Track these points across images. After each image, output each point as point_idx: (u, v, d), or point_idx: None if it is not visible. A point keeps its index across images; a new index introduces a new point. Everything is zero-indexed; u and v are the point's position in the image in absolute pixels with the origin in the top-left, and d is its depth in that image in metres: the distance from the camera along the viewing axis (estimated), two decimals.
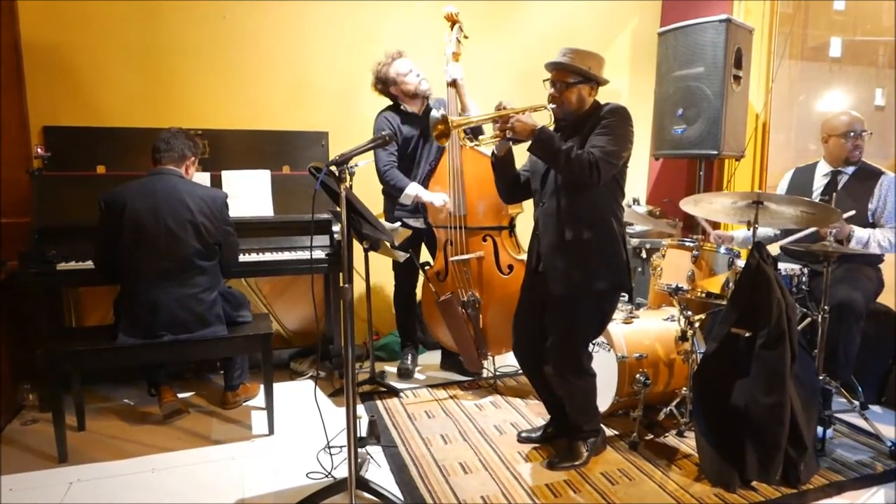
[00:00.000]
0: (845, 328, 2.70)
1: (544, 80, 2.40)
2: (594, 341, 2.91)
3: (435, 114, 2.31)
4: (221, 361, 3.34)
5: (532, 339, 2.54)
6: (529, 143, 2.25)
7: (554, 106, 2.38)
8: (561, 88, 2.35)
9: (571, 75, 2.34)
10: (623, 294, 2.68)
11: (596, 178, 2.21)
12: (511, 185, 2.55)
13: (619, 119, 2.30)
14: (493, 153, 2.47)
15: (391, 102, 3.34)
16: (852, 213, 2.78)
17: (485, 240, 3.22)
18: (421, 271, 3.36)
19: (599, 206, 2.35)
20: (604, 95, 2.46)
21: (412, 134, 3.31)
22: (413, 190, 3.20)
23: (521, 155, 2.53)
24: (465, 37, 3.21)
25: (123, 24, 3.34)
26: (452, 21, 3.17)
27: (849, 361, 2.77)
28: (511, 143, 2.38)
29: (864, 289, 2.84)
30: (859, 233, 2.79)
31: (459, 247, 3.24)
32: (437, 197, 3.20)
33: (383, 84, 3.24)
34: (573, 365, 2.44)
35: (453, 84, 3.15)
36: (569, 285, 2.36)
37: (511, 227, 3.27)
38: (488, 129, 3.26)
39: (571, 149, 2.22)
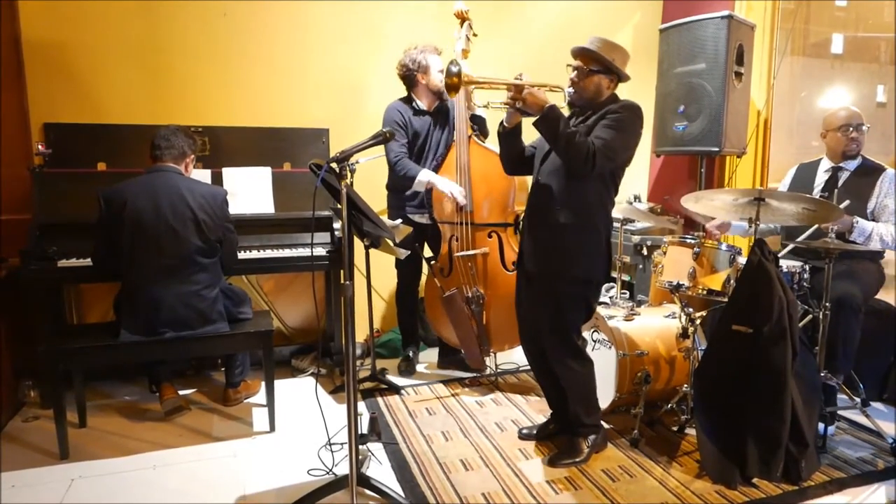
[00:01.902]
0: (844, 323, 2.70)
1: (568, 65, 2.41)
2: (595, 338, 2.92)
3: (452, 67, 2.29)
4: (223, 358, 3.35)
5: (533, 324, 2.55)
6: (536, 117, 2.25)
7: (571, 90, 2.38)
8: (581, 74, 2.36)
9: (594, 63, 2.35)
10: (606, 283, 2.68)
11: (590, 168, 2.22)
12: (515, 158, 2.56)
13: (629, 115, 2.31)
14: (501, 123, 2.47)
15: (399, 96, 3.34)
16: (846, 203, 2.76)
17: (490, 236, 3.22)
18: (427, 265, 3.36)
19: (590, 197, 2.37)
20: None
21: (422, 129, 3.31)
22: (425, 176, 3.18)
23: (529, 132, 2.52)
24: (475, 34, 3.20)
25: (124, 21, 3.33)
26: (462, 18, 3.16)
27: (849, 356, 2.77)
28: (519, 114, 2.38)
29: (863, 283, 2.83)
30: (863, 224, 2.77)
31: (465, 243, 3.24)
32: (450, 185, 3.17)
33: (412, 68, 3.21)
34: (568, 348, 2.45)
35: None
36: (542, 265, 2.40)
37: (516, 224, 3.27)
38: (492, 132, 3.26)
39: (575, 133, 2.22)
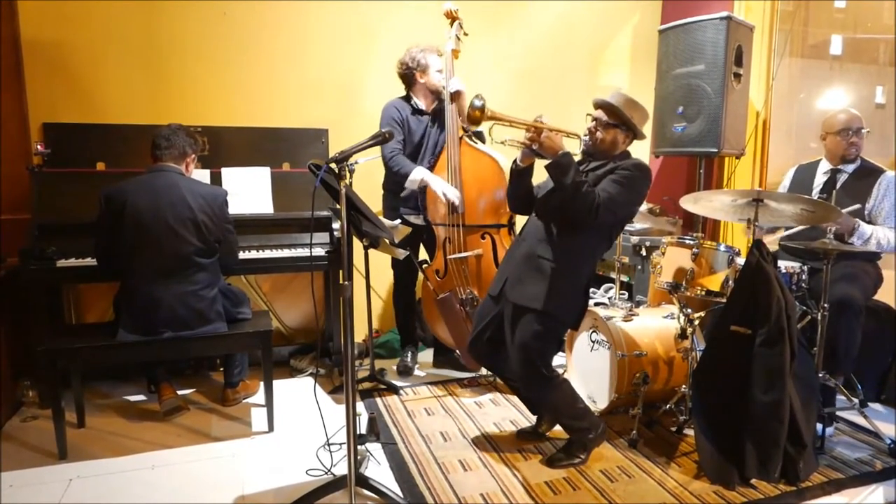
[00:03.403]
0: (845, 325, 2.71)
1: (588, 115, 2.47)
2: (594, 339, 2.92)
3: (476, 101, 2.30)
4: (221, 358, 3.35)
5: (488, 340, 2.56)
6: (548, 161, 2.27)
7: (587, 139, 2.43)
8: (599, 125, 2.42)
9: (613, 116, 2.40)
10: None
11: (592, 220, 2.25)
12: (522, 197, 2.56)
13: (638, 175, 2.35)
14: (515, 161, 2.49)
15: (397, 96, 3.35)
16: (857, 206, 2.77)
17: (483, 238, 3.22)
18: (419, 269, 3.36)
19: (581, 243, 2.39)
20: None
21: (418, 128, 3.31)
22: (419, 174, 3.18)
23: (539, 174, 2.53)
24: (465, 34, 3.21)
25: (123, 21, 3.34)
26: (452, 18, 3.18)
27: (850, 358, 2.77)
28: (533, 155, 2.39)
29: (863, 285, 2.84)
30: (864, 228, 2.78)
31: (458, 244, 3.23)
32: (444, 186, 3.17)
33: (412, 67, 3.23)
34: (536, 379, 2.44)
35: (457, 96, 3.15)
36: (520, 295, 2.38)
37: (510, 226, 3.27)
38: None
39: (583, 183, 2.25)
